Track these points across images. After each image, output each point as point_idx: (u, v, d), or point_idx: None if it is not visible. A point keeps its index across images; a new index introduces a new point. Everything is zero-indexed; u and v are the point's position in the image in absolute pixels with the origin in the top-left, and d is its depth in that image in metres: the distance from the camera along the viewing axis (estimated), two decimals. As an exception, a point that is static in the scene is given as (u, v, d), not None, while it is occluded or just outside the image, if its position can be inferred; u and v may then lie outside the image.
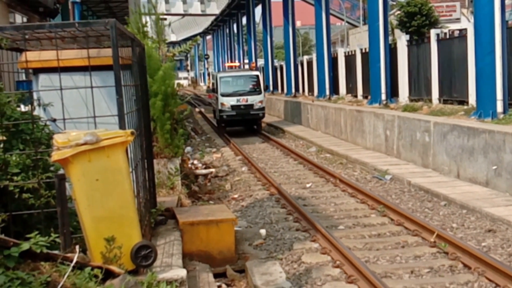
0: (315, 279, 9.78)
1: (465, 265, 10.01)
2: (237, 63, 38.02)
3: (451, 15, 45.23)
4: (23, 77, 10.93)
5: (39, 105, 8.66)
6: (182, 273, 7.48)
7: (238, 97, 31.96)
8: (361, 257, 10.57)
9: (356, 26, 58.48)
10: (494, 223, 12.39)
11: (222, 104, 32.03)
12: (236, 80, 33.36)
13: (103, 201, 6.83)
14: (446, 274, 9.81)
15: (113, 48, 7.38)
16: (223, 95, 32.25)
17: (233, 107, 31.83)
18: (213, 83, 37.63)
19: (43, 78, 9.26)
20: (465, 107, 20.04)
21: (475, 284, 9.26)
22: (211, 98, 38.79)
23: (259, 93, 32.50)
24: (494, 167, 14.88)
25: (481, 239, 11.49)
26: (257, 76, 33.75)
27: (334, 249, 10.90)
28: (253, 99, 32.04)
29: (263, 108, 32.57)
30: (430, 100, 23.28)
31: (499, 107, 17.43)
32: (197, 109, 50.53)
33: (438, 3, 43.25)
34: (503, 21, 17.50)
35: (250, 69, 36.35)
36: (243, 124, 34.36)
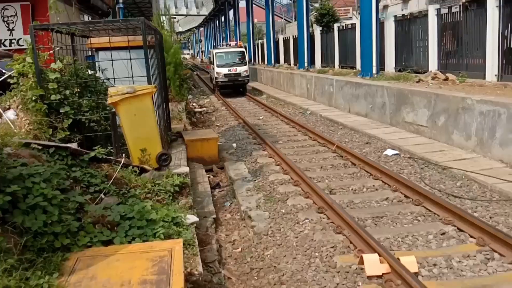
0: (265, 172, 9.87)
1: (352, 163, 10.15)
2: (233, 43, 31.99)
3: (346, 15, 44.56)
4: (89, 53, 10.74)
5: (99, 70, 8.63)
6: (186, 169, 7.57)
7: (229, 68, 26.92)
8: (292, 159, 10.65)
9: (290, 22, 57.54)
10: (370, 138, 12.53)
11: (217, 73, 27.16)
12: (228, 55, 27.95)
13: (139, 127, 6.83)
14: (341, 168, 9.93)
15: (143, 35, 7.30)
16: (218, 66, 27.25)
17: (225, 75, 26.89)
18: (209, 58, 32.80)
19: (101, 53, 9.18)
20: (354, 70, 20.05)
21: (358, 174, 9.41)
22: (209, 69, 33.01)
23: (245, 64, 27.31)
24: (370, 106, 15.04)
25: (362, 148, 11.63)
26: (243, 52, 28.39)
27: (276, 155, 10.97)
28: (240, 69, 26.97)
29: (248, 76, 27.45)
30: (334, 66, 23.26)
31: (374, 70, 17.48)
32: (195, 73, 49.70)
33: (339, 8, 42.50)
34: (377, 19, 17.44)
35: (238, 47, 29.83)
36: (233, 88, 28.82)
